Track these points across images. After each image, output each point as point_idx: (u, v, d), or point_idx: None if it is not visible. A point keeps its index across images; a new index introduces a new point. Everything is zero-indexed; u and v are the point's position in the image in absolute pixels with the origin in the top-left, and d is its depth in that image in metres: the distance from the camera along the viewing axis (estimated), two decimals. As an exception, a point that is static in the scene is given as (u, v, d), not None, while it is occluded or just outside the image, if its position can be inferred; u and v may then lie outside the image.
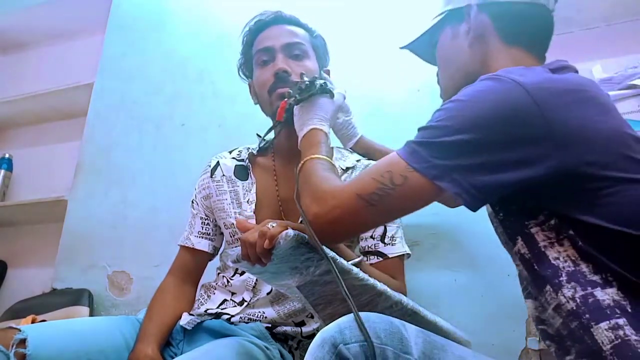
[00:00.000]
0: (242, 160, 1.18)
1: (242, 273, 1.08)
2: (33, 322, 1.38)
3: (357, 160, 1.13)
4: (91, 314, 1.54)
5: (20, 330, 0.89)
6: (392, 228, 1.07)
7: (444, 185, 0.61)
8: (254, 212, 1.09)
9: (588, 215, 0.59)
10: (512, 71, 0.65)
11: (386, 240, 1.06)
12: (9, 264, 2.03)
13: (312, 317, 1.05)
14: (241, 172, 1.15)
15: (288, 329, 1.03)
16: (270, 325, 1.03)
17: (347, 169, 1.10)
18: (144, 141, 1.77)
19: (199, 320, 1.05)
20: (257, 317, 1.04)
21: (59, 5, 2.22)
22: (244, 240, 0.75)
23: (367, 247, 1.06)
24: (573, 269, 0.59)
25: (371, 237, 1.07)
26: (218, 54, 1.79)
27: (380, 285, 0.80)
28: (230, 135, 1.65)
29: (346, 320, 0.58)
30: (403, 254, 1.07)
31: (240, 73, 1.24)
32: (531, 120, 0.59)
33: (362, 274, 0.79)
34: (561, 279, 0.59)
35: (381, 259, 1.05)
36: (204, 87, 1.76)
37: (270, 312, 1.04)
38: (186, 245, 1.19)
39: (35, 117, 2.22)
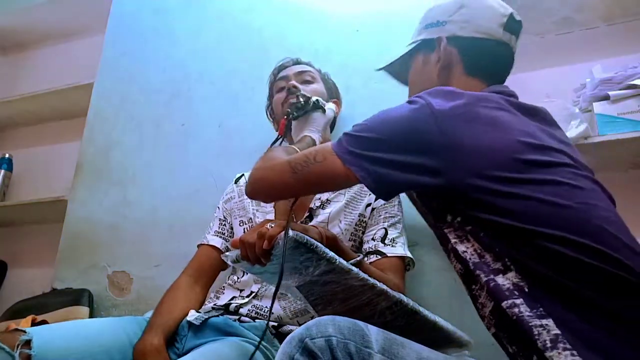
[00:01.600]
0: None
1: None
2: (33, 322, 1.38)
3: None
4: (91, 314, 1.53)
5: (25, 332, 0.89)
6: (393, 232, 1.12)
7: (352, 168, 0.75)
8: (273, 208, 1.22)
9: (484, 214, 0.69)
10: (431, 93, 0.77)
11: (386, 242, 1.11)
12: (9, 264, 2.03)
13: None
14: None
15: (293, 328, 1.04)
16: (276, 324, 1.05)
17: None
18: (144, 141, 1.77)
19: (206, 317, 1.07)
20: (264, 311, 1.07)
21: (59, 5, 2.22)
22: (243, 240, 0.81)
23: (368, 248, 1.11)
24: (478, 260, 0.70)
25: (372, 239, 1.12)
26: (218, 54, 1.79)
27: (380, 285, 0.80)
28: (230, 135, 1.66)
29: (315, 321, 0.64)
30: (404, 257, 1.10)
31: (267, 114, 1.44)
32: (430, 135, 0.71)
33: (362, 274, 0.79)
34: (471, 268, 0.71)
35: (380, 257, 1.09)
36: (204, 87, 1.76)
37: (276, 308, 1.07)
38: (202, 242, 1.27)
39: (35, 117, 2.22)
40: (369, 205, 1.18)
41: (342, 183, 0.81)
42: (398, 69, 1.07)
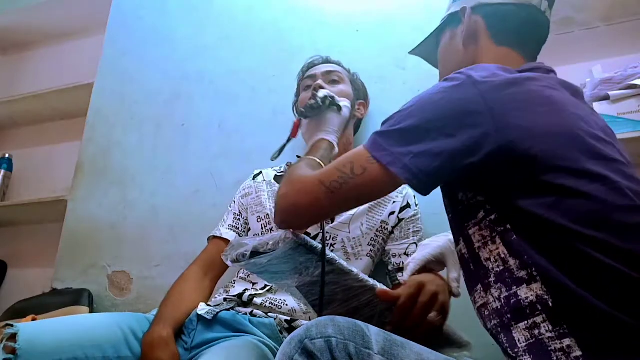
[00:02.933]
0: (282, 172, 1.34)
1: None
2: (33, 321, 1.38)
3: None
4: (91, 314, 1.54)
5: (13, 326, 0.89)
6: None
7: (397, 170, 0.65)
8: None
9: (527, 200, 0.61)
10: (472, 68, 0.69)
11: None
12: (9, 264, 2.03)
13: None
14: (280, 179, 1.31)
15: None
16: (289, 319, 1.05)
17: None
18: (144, 141, 1.77)
19: (217, 311, 1.07)
20: (278, 303, 1.07)
21: (59, 5, 2.22)
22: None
23: (401, 263, 1.11)
24: (502, 268, 0.63)
25: (405, 253, 1.12)
26: (218, 54, 1.79)
27: (380, 287, 0.80)
28: (230, 135, 1.66)
29: (315, 321, 0.62)
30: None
31: (294, 110, 1.41)
32: (475, 107, 0.64)
33: (362, 275, 0.80)
34: (490, 279, 0.64)
35: None
36: (204, 87, 1.76)
37: (291, 301, 1.07)
38: (215, 235, 1.26)
39: (35, 117, 2.22)
40: (392, 213, 1.18)
41: (389, 190, 0.73)
42: (429, 51, 0.99)
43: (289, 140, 1.10)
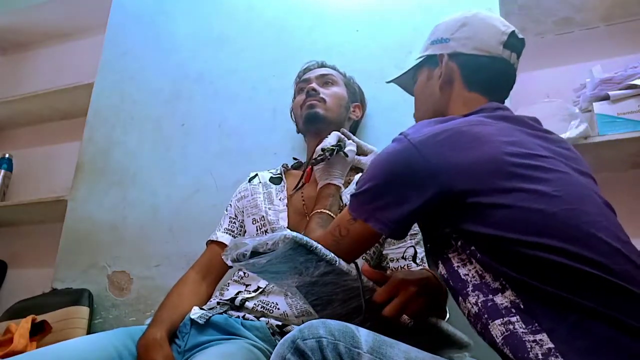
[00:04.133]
0: (278, 173, 1.36)
1: None
2: (33, 321, 1.38)
3: None
4: (91, 314, 1.54)
5: None
6: (420, 251, 1.13)
7: (372, 224, 0.76)
8: (286, 206, 1.24)
9: (477, 226, 0.70)
10: (412, 128, 0.80)
11: (417, 261, 1.11)
12: (9, 264, 2.03)
13: None
14: (275, 180, 1.34)
15: None
16: (280, 324, 1.05)
17: None
18: (144, 141, 1.77)
19: (210, 315, 1.07)
20: (270, 307, 1.07)
21: (59, 5, 2.23)
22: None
23: (399, 267, 1.11)
24: (480, 281, 0.71)
25: (403, 257, 1.12)
26: (218, 54, 1.79)
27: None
28: (230, 135, 1.66)
29: (307, 323, 0.66)
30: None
31: (291, 114, 1.45)
32: (416, 165, 0.74)
33: (361, 276, 0.80)
34: (468, 289, 0.72)
35: None
36: (204, 87, 1.76)
37: (283, 305, 1.07)
38: (211, 239, 1.28)
39: (35, 117, 2.22)
40: None
41: (374, 241, 0.84)
42: (406, 82, 1.11)
43: (303, 184, 1.24)
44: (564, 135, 1.28)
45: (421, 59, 1.01)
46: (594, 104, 1.35)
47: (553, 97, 1.49)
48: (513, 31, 0.93)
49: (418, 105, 1.04)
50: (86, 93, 1.94)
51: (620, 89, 1.33)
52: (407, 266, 1.10)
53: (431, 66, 0.99)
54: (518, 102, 1.46)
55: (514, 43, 0.94)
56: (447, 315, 0.93)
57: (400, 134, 0.79)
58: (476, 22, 0.94)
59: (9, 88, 2.32)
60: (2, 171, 2.08)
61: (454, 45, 0.94)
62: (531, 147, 0.76)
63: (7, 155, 2.13)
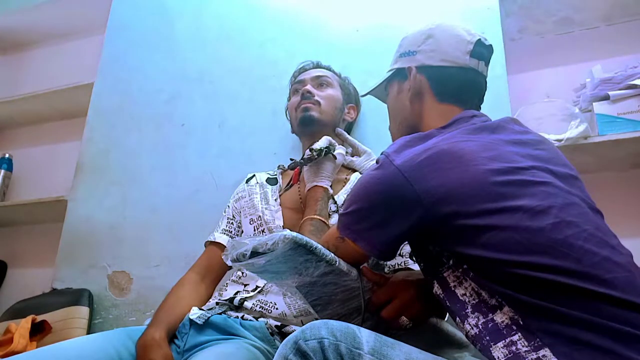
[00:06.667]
0: (274, 174, 1.37)
1: None
2: (33, 321, 1.39)
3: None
4: (91, 314, 1.54)
5: None
6: None
7: (360, 244, 0.77)
8: (279, 205, 1.25)
9: (466, 248, 0.70)
10: (394, 147, 0.79)
11: (414, 259, 1.10)
12: (9, 264, 2.03)
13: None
14: (272, 181, 1.35)
15: (296, 329, 1.03)
16: (279, 324, 1.05)
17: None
18: (144, 141, 1.77)
19: (209, 315, 1.07)
20: (268, 307, 1.07)
21: (59, 5, 2.23)
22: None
23: (396, 264, 1.11)
24: (477, 300, 0.70)
25: (399, 255, 1.11)
26: (218, 54, 1.79)
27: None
28: (230, 135, 1.66)
29: (309, 324, 0.67)
30: None
31: (286, 114, 1.46)
32: (400, 189, 0.73)
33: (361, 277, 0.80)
34: (467, 310, 0.71)
35: None
36: (204, 87, 1.76)
37: (281, 304, 1.07)
38: (210, 240, 1.29)
39: (35, 117, 2.22)
40: None
41: (363, 259, 0.84)
42: (380, 94, 1.11)
43: (291, 185, 1.26)
44: (564, 135, 1.28)
45: (391, 72, 1.02)
46: (594, 104, 1.35)
47: (553, 97, 1.49)
48: (479, 39, 0.93)
49: (392, 120, 1.04)
50: (86, 93, 1.94)
51: (620, 89, 1.33)
52: (404, 263, 1.10)
53: (401, 79, 0.99)
54: (518, 102, 1.47)
55: (481, 51, 0.93)
56: (447, 315, 0.93)
57: (383, 153, 0.79)
58: (440, 33, 0.94)
59: (9, 88, 2.32)
60: (2, 171, 2.08)
61: (420, 58, 0.94)
62: (512, 159, 0.75)
63: (7, 155, 2.12)
